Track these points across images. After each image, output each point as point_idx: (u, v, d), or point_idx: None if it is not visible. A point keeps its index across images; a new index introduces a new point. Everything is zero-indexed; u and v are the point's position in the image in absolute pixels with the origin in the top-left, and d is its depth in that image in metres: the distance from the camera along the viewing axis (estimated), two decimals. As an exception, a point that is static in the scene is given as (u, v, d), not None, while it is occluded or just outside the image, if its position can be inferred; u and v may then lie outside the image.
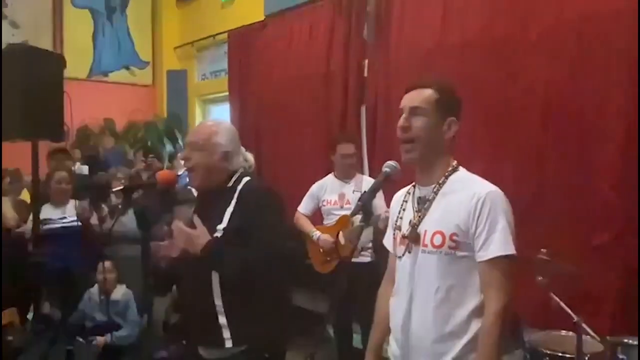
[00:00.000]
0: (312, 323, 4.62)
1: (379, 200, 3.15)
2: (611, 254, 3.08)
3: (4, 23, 5.94)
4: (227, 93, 6.05)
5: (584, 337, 2.39)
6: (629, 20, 3.02)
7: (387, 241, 1.76)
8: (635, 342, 2.38)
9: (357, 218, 3.42)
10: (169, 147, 6.42)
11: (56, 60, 3.24)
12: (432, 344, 1.54)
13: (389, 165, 1.62)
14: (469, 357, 1.52)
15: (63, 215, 3.66)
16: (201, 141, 1.90)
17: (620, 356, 2.38)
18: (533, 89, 3.45)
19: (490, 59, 3.65)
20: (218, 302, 1.80)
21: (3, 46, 3.71)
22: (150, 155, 5.02)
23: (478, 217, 1.49)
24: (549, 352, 2.53)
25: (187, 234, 1.79)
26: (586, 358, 2.39)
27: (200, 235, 1.77)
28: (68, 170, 3.98)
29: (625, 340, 2.41)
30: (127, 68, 6.91)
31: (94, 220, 3.68)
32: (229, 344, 1.80)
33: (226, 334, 1.79)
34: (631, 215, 3.04)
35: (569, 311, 2.53)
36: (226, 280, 1.79)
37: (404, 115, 1.57)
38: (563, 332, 2.68)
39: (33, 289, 3.09)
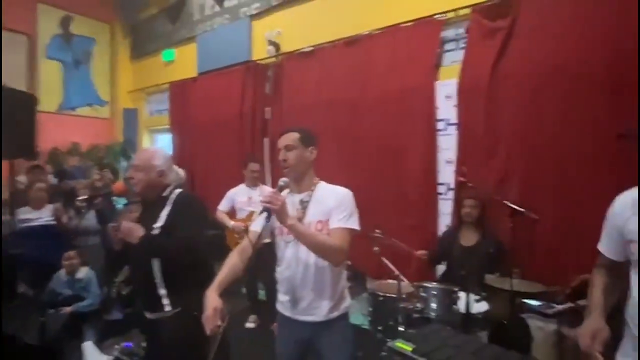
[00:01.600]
0: (232, 285, 4.60)
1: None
2: (417, 231, 3.35)
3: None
4: (168, 126, 5.78)
5: (401, 283, 2.61)
6: (426, 92, 3.36)
7: (257, 226, 1.71)
8: (430, 285, 2.58)
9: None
10: (124, 164, 5.98)
11: (30, 98, 2.96)
12: (322, 296, 1.60)
13: (282, 180, 1.66)
14: (343, 297, 1.66)
15: (40, 216, 3.31)
16: (142, 163, 1.85)
17: (422, 294, 2.55)
18: (368, 131, 3.68)
19: (345, 112, 3.84)
20: (158, 279, 1.77)
21: None
22: (104, 170, 4.65)
23: (338, 204, 1.59)
24: (382, 293, 2.70)
25: (128, 227, 1.75)
26: (403, 295, 2.58)
27: (137, 230, 1.74)
28: (44, 182, 3.61)
29: (425, 284, 2.60)
30: (90, 105, 6.31)
31: (65, 218, 3.38)
32: (167, 308, 1.78)
33: (165, 301, 1.78)
34: (426, 207, 3.39)
35: (393, 268, 2.78)
36: (163, 262, 1.76)
37: (282, 152, 1.68)
38: (390, 281, 2.84)
39: (10, 274, 2.76)
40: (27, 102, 2.81)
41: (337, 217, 1.58)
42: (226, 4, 5.10)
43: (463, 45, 3.28)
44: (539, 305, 2.33)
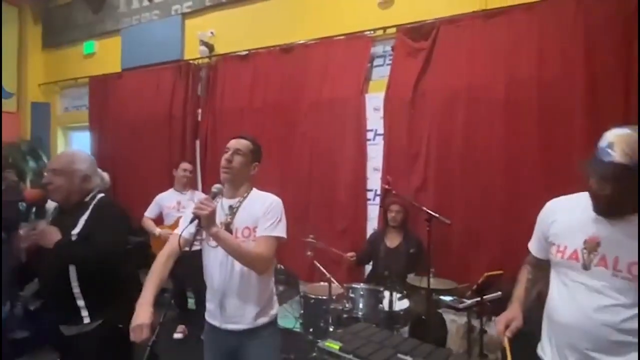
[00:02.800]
0: (160, 295, 4.37)
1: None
2: (348, 235, 3.50)
3: None
4: (87, 123, 5.29)
5: (332, 285, 2.71)
6: (356, 103, 3.53)
7: (185, 233, 1.59)
8: (358, 286, 2.72)
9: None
10: (32, 164, 5.36)
11: None
12: (248, 301, 1.59)
13: (216, 187, 1.58)
14: (270, 304, 1.66)
15: None
16: (61, 167, 1.71)
17: (351, 295, 2.67)
18: (301, 138, 3.77)
19: (279, 117, 3.89)
20: (76, 289, 1.64)
21: None
22: (7, 170, 4.14)
23: (265, 212, 1.59)
24: (313, 296, 2.78)
25: (40, 232, 1.63)
26: (334, 297, 2.68)
27: (53, 232, 1.62)
28: None
29: (353, 285, 2.73)
30: (-8, 97, 5.55)
31: None
32: (87, 320, 1.66)
33: (84, 312, 1.65)
34: (356, 212, 3.55)
35: (325, 271, 2.86)
36: (80, 270, 1.64)
37: (230, 152, 1.64)
38: (322, 283, 2.93)
39: None
40: None
41: (264, 226, 1.58)
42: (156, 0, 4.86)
43: (389, 61, 3.53)
44: (452, 300, 2.59)
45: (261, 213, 1.60)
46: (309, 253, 3.01)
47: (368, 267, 3.37)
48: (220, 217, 1.62)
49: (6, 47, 5.64)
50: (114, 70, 5.08)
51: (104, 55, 5.28)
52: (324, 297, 2.72)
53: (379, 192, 3.51)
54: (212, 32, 4.43)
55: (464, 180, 3.11)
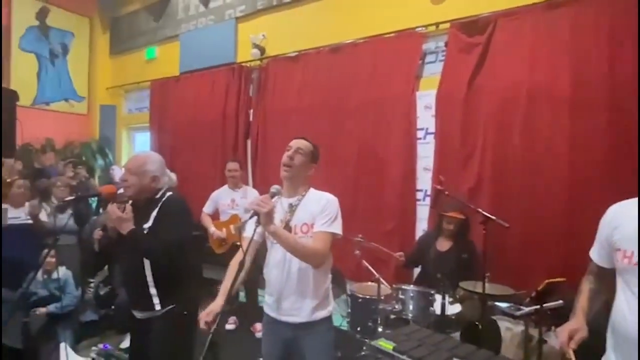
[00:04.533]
0: (213, 286, 4.58)
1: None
2: (396, 236, 3.45)
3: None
4: (148, 124, 5.68)
5: (381, 285, 2.69)
6: (407, 102, 3.47)
7: (250, 231, 1.66)
8: (408, 287, 2.65)
9: (245, 216, 3.52)
10: (100, 162, 5.84)
11: (10, 94, 2.86)
12: (305, 296, 1.64)
13: (275, 187, 1.64)
14: (326, 301, 1.70)
15: (19, 215, 3.21)
16: (135, 168, 1.85)
17: (400, 296, 2.62)
18: (349, 138, 3.77)
19: (327, 117, 3.92)
20: (149, 278, 1.78)
21: None
22: (79, 167, 4.53)
23: (322, 210, 1.64)
24: (361, 295, 2.76)
25: (118, 215, 1.73)
26: (382, 297, 2.66)
27: (128, 220, 1.73)
28: (27, 179, 3.51)
29: (403, 286, 2.66)
30: (67, 100, 6.12)
31: (44, 216, 3.28)
32: (157, 307, 1.79)
33: (155, 300, 1.79)
34: (404, 213, 3.50)
35: (373, 271, 2.85)
36: (153, 261, 1.78)
37: (292, 151, 1.70)
38: (369, 283, 2.91)
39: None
40: (8, 98, 2.72)
41: (321, 222, 1.63)
42: (211, 5, 5.09)
43: (442, 58, 3.43)
44: (508, 307, 2.47)
45: (318, 210, 1.64)
46: (356, 252, 3.00)
47: (410, 270, 3.30)
48: (280, 215, 1.70)
49: (78, 55, 6.21)
50: (172, 74, 5.39)
51: (164, 60, 5.63)
52: (373, 297, 2.71)
53: (429, 192, 3.42)
54: (263, 35, 4.56)
55: (523, 182, 2.95)
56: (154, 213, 1.82)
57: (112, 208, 1.75)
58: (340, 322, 3.25)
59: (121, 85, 6.15)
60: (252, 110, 4.62)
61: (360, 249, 3.00)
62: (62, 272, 3.29)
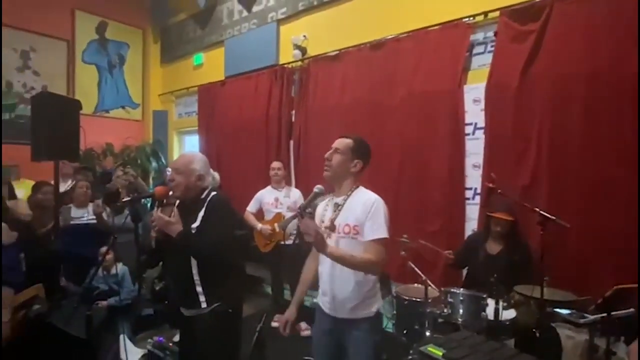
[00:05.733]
0: (257, 284, 4.69)
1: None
2: (443, 236, 3.30)
3: (29, 72, 5.47)
4: (196, 127, 5.92)
5: (428, 288, 2.61)
6: (454, 96, 3.31)
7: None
8: (458, 290, 2.51)
9: (289, 215, 3.56)
10: (154, 164, 6.18)
11: (74, 104, 3.09)
12: (347, 293, 1.67)
13: (318, 187, 1.70)
14: (370, 301, 1.71)
15: (83, 214, 3.47)
16: (182, 167, 1.91)
17: (449, 299, 2.51)
18: (393, 135, 3.66)
19: (370, 115, 3.83)
20: (196, 277, 1.83)
21: (34, 93, 3.45)
22: (127, 167, 4.81)
23: (368, 213, 1.64)
24: (407, 297, 2.71)
25: (166, 220, 1.81)
26: (430, 300, 2.58)
27: (176, 223, 1.80)
28: (89, 181, 3.80)
29: (452, 290, 2.54)
30: (123, 107, 6.55)
31: (105, 215, 3.53)
32: (203, 305, 1.84)
33: (202, 298, 1.84)
34: (452, 212, 3.36)
35: (420, 273, 2.74)
36: (199, 260, 1.82)
37: (330, 151, 1.75)
38: (416, 285, 2.83)
39: (54, 270, 2.90)
40: (72, 107, 2.94)
41: (370, 229, 1.64)
42: (254, 9, 5.20)
43: (491, 48, 3.24)
44: (570, 314, 2.28)
45: (363, 214, 1.65)
46: (402, 253, 2.92)
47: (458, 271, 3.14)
48: (328, 214, 1.75)
49: (133, 65, 6.61)
50: (218, 79, 5.57)
51: (210, 66, 5.83)
52: (419, 300, 2.63)
53: (479, 190, 3.25)
54: (304, 36, 4.58)
55: (584, 178, 2.70)
56: (201, 213, 1.86)
57: (158, 214, 1.82)
58: (386, 323, 3.18)
59: (172, 91, 6.46)
60: (294, 111, 4.65)
61: (406, 249, 2.91)
62: (120, 267, 3.51)
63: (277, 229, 3.57)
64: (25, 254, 2.98)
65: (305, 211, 1.71)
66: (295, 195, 3.81)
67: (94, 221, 3.46)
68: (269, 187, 3.85)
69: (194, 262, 1.83)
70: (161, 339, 3.31)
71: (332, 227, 1.71)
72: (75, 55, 5.93)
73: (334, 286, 1.70)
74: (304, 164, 4.41)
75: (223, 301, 1.85)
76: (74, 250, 3.22)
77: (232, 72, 5.38)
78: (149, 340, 3.35)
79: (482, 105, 3.23)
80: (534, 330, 2.39)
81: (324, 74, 4.31)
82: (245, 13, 5.31)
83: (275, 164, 3.82)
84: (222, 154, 5.35)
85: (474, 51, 3.37)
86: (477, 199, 3.27)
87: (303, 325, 3.44)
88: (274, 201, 3.74)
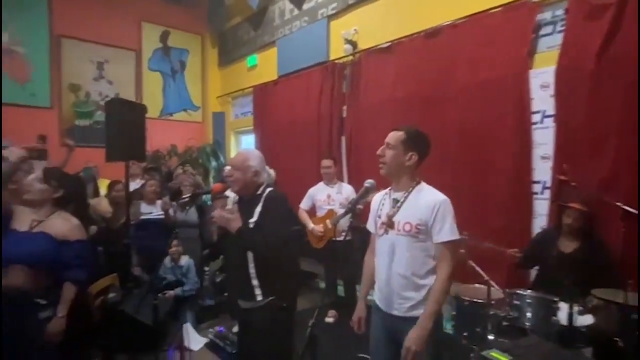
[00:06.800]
0: (311, 279, 4.73)
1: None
2: (507, 233, 3.09)
3: (103, 81, 6.01)
4: (252, 127, 6.11)
5: (491, 288, 2.45)
6: (518, 83, 3.08)
7: (370, 226, 1.82)
8: (525, 292, 2.36)
9: (341, 211, 3.55)
10: (214, 163, 6.49)
11: (141, 108, 3.31)
12: (405, 291, 1.63)
13: (369, 182, 1.70)
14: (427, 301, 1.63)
15: (152, 210, 3.74)
16: (239, 164, 1.97)
17: (515, 302, 2.37)
18: (451, 127, 3.48)
19: (425, 107, 3.68)
20: (252, 270, 1.87)
21: (108, 99, 3.76)
22: (187, 166, 5.06)
23: (435, 215, 1.58)
24: (467, 298, 2.58)
25: (227, 217, 1.87)
26: (493, 302, 2.44)
27: (235, 219, 1.86)
28: (157, 180, 4.09)
29: (519, 291, 2.40)
30: (185, 110, 6.95)
31: (172, 211, 3.77)
32: (259, 298, 1.88)
33: (257, 291, 1.87)
34: (517, 207, 3.12)
35: (482, 272, 2.60)
36: (257, 256, 1.87)
37: (382, 147, 1.70)
38: (477, 285, 2.69)
39: (127, 261, 3.15)
40: (139, 111, 3.16)
41: (440, 231, 1.58)
42: (304, 7, 5.23)
43: (561, 28, 2.94)
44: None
45: (428, 214, 1.59)
46: (462, 251, 2.76)
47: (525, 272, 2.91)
48: (385, 209, 1.70)
49: (193, 70, 7.00)
50: (271, 79, 5.69)
51: (264, 66, 5.98)
52: (482, 301, 2.48)
53: (548, 184, 2.97)
54: (355, 30, 4.51)
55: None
56: (258, 209, 1.90)
57: (219, 212, 1.89)
58: (444, 324, 3.05)
59: (228, 93, 6.74)
60: (345, 107, 4.61)
61: (466, 247, 2.75)
62: (185, 260, 3.73)
63: (329, 226, 3.57)
64: (102, 246, 3.28)
65: (356, 207, 1.68)
66: (347, 191, 3.77)
67: (162, 216, 3.71)
68: (321, 184, 3.86)
69: (250, 257, 1.87)
70: (222, 329, 3.48)
71: (389, 224, 1.65)
72: (142, 63, 6.41)
73: (391, 283, 1.66)
74: (356, 160, 4.35)
75: (277, 295, 1.88)
76: (144, 243, 3.49)
77: (285, 71, 5.47)
78: (210, 330, 3.54)
79: (551, 90, 2.95)
80: (615, 339, 2.14)
81: (376, 67, 4.21)
82: (296, 11, 5.37)
83: (325, 162, 3.82)
84: (276, 152, 5.45)
85: (541, 32, 3.08)
86: (547, 193, 2.99)
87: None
88: (326, 198, 3.74)
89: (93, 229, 3.33)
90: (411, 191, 1.65)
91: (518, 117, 3.09)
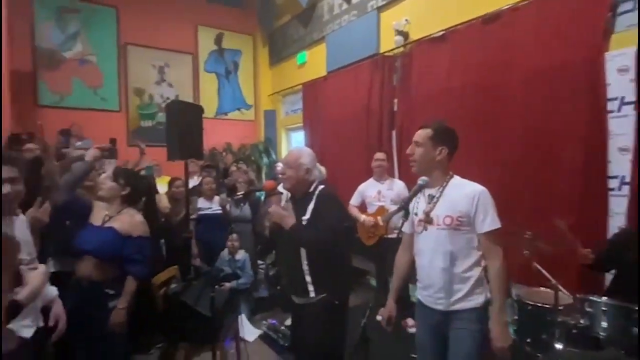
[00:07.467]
0: (362, 276, 4.70)
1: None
2: (578, 234, 2.72)
3: (164, 85, 6.40)
4: (302, 124, 6.18)
5: (559, 293, 2.29)
6: (591, 67, 2.80)
7: (405, 227, 1.83)
8: (599, 299, 2.17)
9: (392, 208, 3.46)
10: (266, 160, 6.66)
11: (198, 109, 3.46)
12: (450, 285, 1.63)
13: (423, 179, 1.69)
14: (474, 292, 1.63)
15: (210, 206, 3.94)
16: (292, 162, 2.00)
17: (588, 309, 2.18)
18: (511, 118, 3.25)
19: (482, 97, 3.48)
20: (305, 266, 1.90)
21: (168, 101, 3.97)
22: (240, 163, 5.23)
23: (477, 205, 1.59)
24: (531, 302, 2.43)
25: (281, 214, 1.92)
26: (561, 307, 2.27)
27: (290, 216, 1.90)
28: (213, 177, 4.29)
29: (592, 298, 2.21)
30: (239, 109, 7.20)
31: (228, 207, 3.93)
32: (312, 294, 1.91)
33: (310, 287, 1.90)
34: (589, 205, 2.85)
35: (549, 276, 2.42)
36: (309, 251, 1.89)
37: (411, 146, 1.75)
38: (542, 289, 2.55)
39: (187, 253, 3.34)
40: (196, 112, 3.31)
41: (482, 221, 1.59)
42: (353, 0, 5.15)
43: (645, 2, 2.61)
44: None
45: (468, 205, 1.60)
46: (525, 252, 2.57)
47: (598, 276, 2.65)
48: (421, 206, 1.72)
49: (246, 69, 7.21)
50: (321, 75, 5.70)
51: (313, 63, 6.02)
52: (547, 306, 2.32)
53: (627, 179, 2.67)
54: (406, 20, 4.36)
55: None
56: (311, 206, 1.92)
57: (275, 209, 1.95)
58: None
59: (279, 91, 6.86)
60: (396, 100, 4.48)
61: (530, 248, 2.56)
62: (241, 254, 3.88)
63: (381, 222, 3.50)
64: (164, 240, 3.50)
65: (408, 205, 1.66)
66: (398, 187, 3.67)
67: (219, 212, 3.88)
68: (371, 180, 3.79)
69: (303, 253, 1.90)
70: (274, 321, 3.57)
71: (428, 220, 1.67)
72: (198, 66, 6.72)
73: (436, 279, 1.65)
74: (407, 155, 4.21)
75: (330, 292, 1.89)
76: (202, 237, 3.68)
77: (334, 67, 5.44)
78: (264, 322, 3.64)
79: (631, 74, 2.63)
80: None
81: (429, 58, 4.05)
82: (345, 5, 5.31)
83: (379, 155, 3.74)
84: (326, 148, 5.47)
85: (619, 9, 2.76)
86: (625, 189, 2.69)
87: (410, 321, 3.32)
88: (377, 194, 3.66)
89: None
90: (446, 185, 1.68)
91: (591, 105, 2.79)
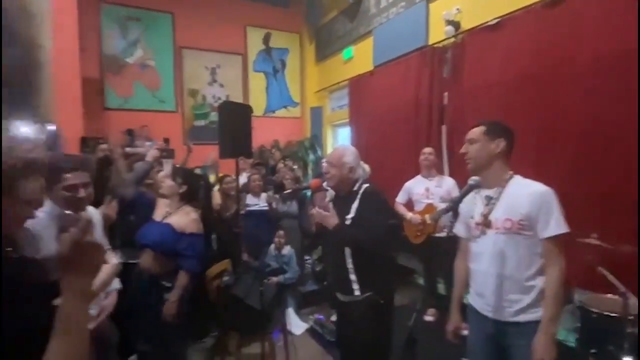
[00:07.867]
0: (408, 275, 4.62)
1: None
2: None
3: (216, 85, 6.67)
4: (347, 120, 6.15)
5: (628, 301, 2.09)
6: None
7: (458, 230, 1.73)
8: None
9: (442, 206, 3.36)
10: (312, 157, 6.73)
11: (247, 108, 3.57)
12: (510, 294, 1.53)
13: (473, 179, 1.60)
14: (538, 303, 1.51)
15: (257, 202, 4.08)
16: (335, 160, 2.01)
17: None
18: (571, 111, 3.01)
19: (540, 89, 3.24)
20: (350, 265, 1.90)
21: (220, 101, 4.11)
22: (287, 159, 5.29)
23: (540, 208, 1.46)
24: (596, 310, 2.26)
25: (324, 215, 1.93)
26: (631, 317, 2.08)
27: (332, 217, 1.91)
28: (261, 175, 4.43)
29: None
30: (286, 107, 7.34)
31: (274, 204, 4.04)
32: (357, 292, 1.90)
33: (355, 286, 1.90)
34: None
35: (617, 283, 2.21)
36: (354, 250, 1.89)
37: (465, 145, 1.66)
38: (609, 295, 2.34)
39: (238, 248, 3.47)
40: (246, 111, 3.43)
41: (546, 225, 1.46)
42: (401, -8, 5.03)
43: None
44: None
45: (532, 207, 1.47)
46: (589, 257, 2.38)
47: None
48: (478, 209, 1.62)
49: (293, 67, 7.32)
50: (367, 70, 5.63)
51: (359, 58, 5.96)
52: (615, 315, 2.13)
53: None
54: (457, 9, 4.18)
55: None
56: (355, 205, 1.92)
57: (317, 211, 1.97)
58: (565, 336, 2.70)
59: (325, 87, 6.89)
60: (446, 93, 4.32)
61: (594, 252, 2.36)
62: (288, 250, 3.97)
63: (429, 220, 3.40)
64: (217, 235, 3.68)
65: (458, 205, 1.58)
66: (448, 185, 3.54)
67: (266, 208, 4.00)
68: (418, 177, 3.69)
69: (348, 252, 1.90)
70: (321, 317, 3.62)
71: (486, 223, 1.56)
72: (247, 66, 6.93)
73: (495, 287, 1.55)
74: (459, 151, 4.05)
75: (375, 291, 1.88)
76: (249, 232, 3.81)
77: (381, 61, 5.35)
78: (310, 316, 3.71)
79: None
80: None
81: (482, 48, 3.84)
82: (392, -2, 5.19)
83: (427, 149, 3.65)
84: (372, 144, 5.40)
85: None
86: None
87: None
88: (425, 191, 3.56)
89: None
90: (506, 185, 1.55)
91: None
